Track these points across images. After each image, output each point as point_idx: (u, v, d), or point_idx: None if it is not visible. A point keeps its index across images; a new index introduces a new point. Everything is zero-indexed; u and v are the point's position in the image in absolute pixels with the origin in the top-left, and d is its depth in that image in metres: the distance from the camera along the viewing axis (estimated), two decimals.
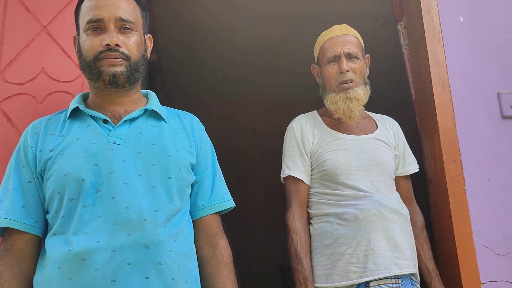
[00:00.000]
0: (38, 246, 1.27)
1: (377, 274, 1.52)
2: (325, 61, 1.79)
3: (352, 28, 1.85)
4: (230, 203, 1.44)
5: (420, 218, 1.79)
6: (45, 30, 1.70)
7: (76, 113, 1.34)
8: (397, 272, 1.54)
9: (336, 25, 1.85)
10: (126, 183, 1.22)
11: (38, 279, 1.22)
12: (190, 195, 1.39)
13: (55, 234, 1.22)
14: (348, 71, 1.73)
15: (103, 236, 1.17)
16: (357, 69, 1.75)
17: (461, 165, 1.83)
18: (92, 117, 1.32)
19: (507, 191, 1.81)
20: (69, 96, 1.63)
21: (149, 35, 1.44)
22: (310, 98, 2.00)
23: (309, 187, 1.74)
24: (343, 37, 1.78)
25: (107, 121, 1.31)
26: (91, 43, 1.30)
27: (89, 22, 1.30)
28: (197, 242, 1.37)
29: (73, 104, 1.35)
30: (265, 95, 4.33)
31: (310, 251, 1.67)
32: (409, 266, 1.57)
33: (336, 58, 1.75)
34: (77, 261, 1.15)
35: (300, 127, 1.79)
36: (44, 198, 1.28)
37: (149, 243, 1.18)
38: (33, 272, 1.24)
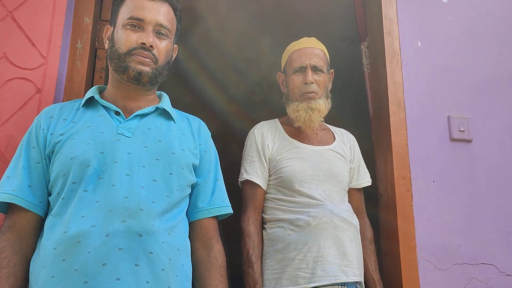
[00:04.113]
0: (40, 226, 1.31)
1: (325, 281, 1.57)
2: (291, 70, 1.84)
3: (320, 42, 1.92)
4: (228, 209, 1.49)
5: (369, 231, 1.86)
6: (10, 16, 1.67)
7: (90, 103, 1.41)
8: (344, 279, 1.59)
9: (305, 37, 1.92)
10: (128, 175, 1.27)
11: (35, 258, 1.25)
12: (190, 197, 1.44)
13: (53, 215, 1.27)
14: (312, 82, 1.79)
15: (99, 220, 1.20)
16: (320, 82, 1.82)
17: (410, 182, 1.92)
18: (105, 107, 1.39)
19: (450, 209, 1.92)
20: (30, 83, 1.61)
21: (176, 45, 1.54)
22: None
23: (266, 193, 1.78)
24: (311, 50, 1.85)
25: (119, 113, 1.38)
26: (127, 38, 1.38)
27: (131, 18, 1.39)
28: (193, 244, 1.41)
29: (88, 94, 1.42)
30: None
31: (262, 255, 1.70)
32: (356, 274, 1.63)
33: (302, 69, 1.81)
34: (72, 243, 1.18)
35: (261, 133, 1.84)
36: (49, 180, 1.31)
37: (142, 232, 1.22)
38: (32, 251, 1.28)
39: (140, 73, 1.37)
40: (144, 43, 1.37)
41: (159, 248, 1.24)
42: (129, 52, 1.37)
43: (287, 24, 3.13)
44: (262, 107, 3.36)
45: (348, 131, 2.02)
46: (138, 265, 1.19)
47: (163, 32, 1.42)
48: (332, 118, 1.96)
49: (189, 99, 3.91)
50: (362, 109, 2.47)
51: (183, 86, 3.86)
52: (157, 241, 1.24)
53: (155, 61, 1.40)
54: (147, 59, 1.38)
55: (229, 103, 3.97)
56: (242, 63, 3.65)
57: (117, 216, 1.21)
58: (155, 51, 1.39)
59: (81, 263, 1.17)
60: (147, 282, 1.20)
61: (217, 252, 1.43)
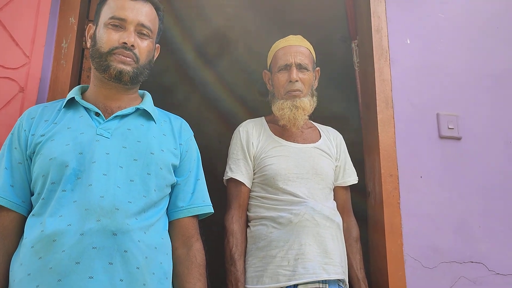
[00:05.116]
0: (22, 225, 1.32)
1: (305, 278, 1.56)
2: (276, 68, 1.84)
3: (305, 40, 1.91)
4: (209, 209, 1.50)
5: (355, 229, 1.84)
6: None
7: (71, 104, 1.42)
8: (325, 277, 1.58)
9: (291, 35, 1.92)
10: (105, 174, 1.28)
11: (15, 256, 1.28)
12: (171, 196, 1.45)
13: (34, 215, 1.28)
14: (297, 81, 1.79)
15: (75, 220, 1.21)
16: (306, 80, 1.81)
17: (398, 180, 1.90)
18: (86, 108, 1.40)
19: (439, 207, 1.89)
20: (13, 82, 1.62)
21: (158, 45, 1.54)
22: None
23: (250, 191, 1.78)
24: (296, 48, 1.84)
25: (99, 114, 1.39)
26: (109, 37, 1.38)
27: (113, 18, 1.40)
28: (173, 242, 1.42)
29: (70, 95, 1.43)
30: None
31: (245, 253, 1.70)
32: (337, 272, 1.62)
33: (287, 67, 1.81)
34: (48, 241, 1.20)
35: (246, 131, 1.83)
36: (31, 180, 1.33)
37: (116, 231, 1.22)
38: (15, 249, 1.30)
39: (121, 72, 1.38)
40: (125, 43, 1.37)
41: (134, 246, 1.24)
42: (111, 51, 1.38)
43: (286, 24, 3.13)
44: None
45: (343, 130, 2.01)
46: (112, 263, 1.20)
47: (144, 32, 1.42)
48: (327, 116, 1.95)
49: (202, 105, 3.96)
50: (355, 107, 2.46)
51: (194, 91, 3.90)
52: (132, 240, 1.24)
53: (136, 60, 1.40)
54: (128, 59, 1.39)
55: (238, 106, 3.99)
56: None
57: (92, 215, 1.22)
58: (136, 51, 1.40)
59: (55, 262, 1.18)
60: (121, 280, 1.20)
61: (196, 251, 1.43)
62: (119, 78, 1.39)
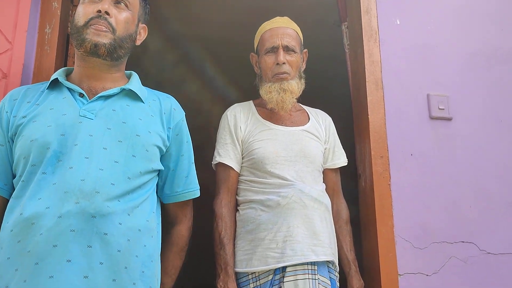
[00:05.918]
0: (4, 208, 1.30)
1: (294, 260, 1.55)
2: (263, 51, 1.82)
3: (292, 22, 1.89)
4: (198, 193, 1.52)
5: (345, 211, 1.84)
6: None
7: (55, 85, 1.39)
8: (313, 258, 1.57)
9: (278, 17, 1.89)
10: (87, 158, 1.25)
11: None
12: (165, 180, 1.46)
13: (14, 198, 1.27)
14: (284, 63, 1.76)
15: (54, 202, 1.19)
16: (293, 62, 1.79)
17: (388, 161, 1.89)
18: (70, 89, 1.37)
19: (429, 188, 1.88)
20: None
21: (144, 25, 1.49)
22: None
23: (239, 175, 1.77)
24: (283, 29, 1.82)
25: (83, 94, 1.36)
26: (84, 10, 1.37)
27: None
28: (162, 224, 1.43)
29: (54, 76, 1.40)
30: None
31: (235, 236, 1.69)
32: (326, 253, 1.61)
33: (274, 49, 1.78)
34: (26, 224, 1.18)
35: (234, 115, 1.82)
36: (13, 162, 1.31)
37: (95, 213, 1.20)
38: None
39: (96, 45, 1.33)
40: (99, 11, 1.34)
41: (114, 229, 1.22)
42: (87, 24, 1.34)
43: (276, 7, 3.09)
44: None
45: (335, 113, 1.99)
46: (91, 246, 1.18)
47: (121, 2, 1.39)
48: (317, 99, 1.93)
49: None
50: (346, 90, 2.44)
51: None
52: (113, 222, 1.22)
53: (112, 30, 1.36)
54: (103, 28, 1.34)
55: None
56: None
57: (71, 197, 1.20)
58: (112, 20, 1.36)
59: (33, 245, 1.17)
60: (101, 263, 1.19)
61: (175, 231, 1.49)
62: (95, 51, 1.34)
